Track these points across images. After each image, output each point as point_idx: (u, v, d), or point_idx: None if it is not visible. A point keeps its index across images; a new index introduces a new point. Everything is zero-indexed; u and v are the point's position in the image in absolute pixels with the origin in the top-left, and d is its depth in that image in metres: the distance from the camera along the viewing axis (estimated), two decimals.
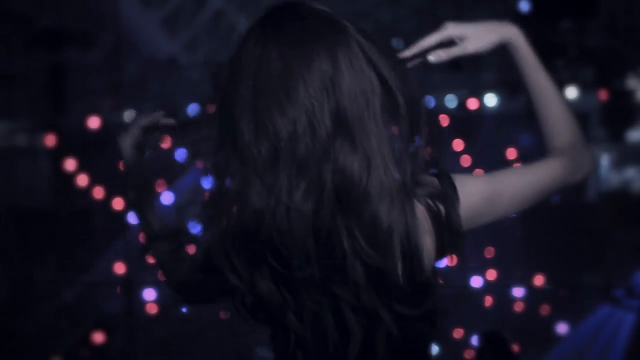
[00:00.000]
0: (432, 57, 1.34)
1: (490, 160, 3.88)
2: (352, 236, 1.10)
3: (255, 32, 1.15)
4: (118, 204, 3.87)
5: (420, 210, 1.14)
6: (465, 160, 3.94)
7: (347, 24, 1.15)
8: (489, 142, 3.96)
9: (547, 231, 3.88)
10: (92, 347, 3.85)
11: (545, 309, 4.04)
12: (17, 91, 4.06)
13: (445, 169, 1.18)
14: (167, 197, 3.77)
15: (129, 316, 3.89)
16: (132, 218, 3.85)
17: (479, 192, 1.19)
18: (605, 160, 4.25)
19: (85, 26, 4.00)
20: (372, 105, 1.12)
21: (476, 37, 1.34)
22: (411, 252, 1.11)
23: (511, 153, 3.88)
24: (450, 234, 1.15)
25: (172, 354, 3.92)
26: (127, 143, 1.43)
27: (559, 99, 1.31)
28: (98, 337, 3.85)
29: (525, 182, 1.24)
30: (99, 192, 3.87)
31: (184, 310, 3.42)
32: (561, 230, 3.88)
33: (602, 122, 4.10)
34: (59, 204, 4.00)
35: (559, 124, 1.30)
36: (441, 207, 1.14)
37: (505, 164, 3.87)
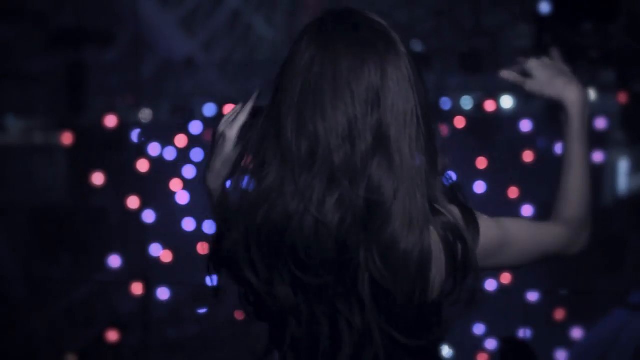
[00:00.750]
0: (503, 73, 1.46)
1: (505, 164, 3.86)
2: (369, 253, 1.10)
3: (310, 33, 1.16)
4: (133, 202, 3.87)
5: (435, 240, 1.13)
6: (481, 163, 3.92)
7: (399, 41, 1.17)
8: (505, 144, 3.94)
9: None
10: (107, 346, 3.86)
11: (560, 314, 4.01)
12: (34, 89, 4.09)
13: (467, 202, 1.18)
14: (182, 197, 3.78)
15: (143, 315, 3.90)
16: (147, 217, 3.86)
17: (494, 235, 1.19)
18: (623, 164, 4.22)
19: (103, 25, 4.01)
20: (410, 127, 1.13)
21: (540, 82, 1.39)
22: (421, 281, 1.11)
23: (528, 156, 3.86)
24: (464, 271, 1.14)
25: (186, 353, 3.92)
26: (233, 133, 1.33)
27: (588, 177, 1.33)
28: (112, 336, 3.86)
29: (534, 240, 1.25)
30: (114, 191, 3.88)
31: (199, 311, 3.42)
32: None
33: (622, 125, 4.06)
34: (75, 202, 4.01)
35: (577, 199, 1.32)
36: (459, 243, 1.13)
37: (521, 167, 3.85)
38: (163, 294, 3.88)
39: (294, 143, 1.11)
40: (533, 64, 1.39)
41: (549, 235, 1.27)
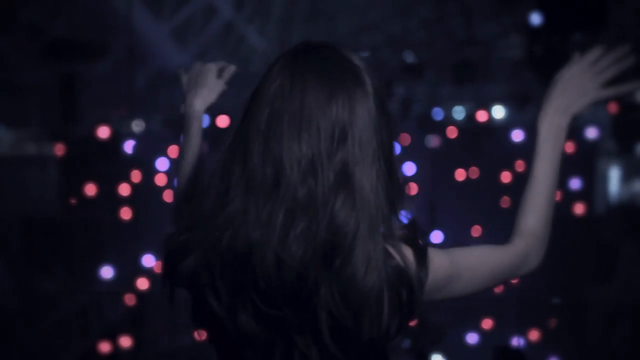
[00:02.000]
0: None
1: (494, 177, 3.88)
2: (329, 290, 1.10)
3: (284, 62, 1.16)
4: (126, 213, 3.87)
5: (385, 282, 1.13)
6: (473, 172, 3.94)
7: (369, 80, 1.16)
8: (497, 154, 3.96)
9: (554, 244, 3.86)
10: (100, 357, 3.85)
11: (552, 322, 4.02)
12: (27, 100, 4.08)
13: (423, 242, 1.18)
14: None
15: (136, 327, 3.89)
16: (140, 228, 3.85)
17: (442, 271, 1.19)
18: (614, 173, 4.24)
19: (96, 37, 4.02)
20: (373, 167, 1.13)
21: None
22: (377, 319, 1.12)
23: (520, 165, 3.88)
24: (408, 313, 1.15)
25: None
26: (200, 108, 1.55)
27: (553, 194, 1.33)
28: (105, 347, 3.85)
29: (483, 268, 1.25)
30: (107, 202, 3.88)
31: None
32: (569, 243, 3.87)
33: (612, 135, 4.09)
34: (67, 213, 4.00)
35: (539, 213, 1.32)
36: (404, 289, 1.13)
37: (514, 176, 3.87)
38: (155, 304, 3.88)
39: (259, 170, 1.11)
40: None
41: (501, 259, 1.27)
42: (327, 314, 1.10)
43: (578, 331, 3.98)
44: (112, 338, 3.85)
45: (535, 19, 3.89)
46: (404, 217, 1.18)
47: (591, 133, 3.99)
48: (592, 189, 4.09)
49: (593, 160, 4.06)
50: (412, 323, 1.18)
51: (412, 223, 1.18)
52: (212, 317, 1.17)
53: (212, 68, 1.63)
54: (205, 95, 1.58)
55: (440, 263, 1.19)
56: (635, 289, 3.90)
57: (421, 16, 3.99)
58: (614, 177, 4.22)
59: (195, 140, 1.55)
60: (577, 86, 1.34)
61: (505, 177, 3.91)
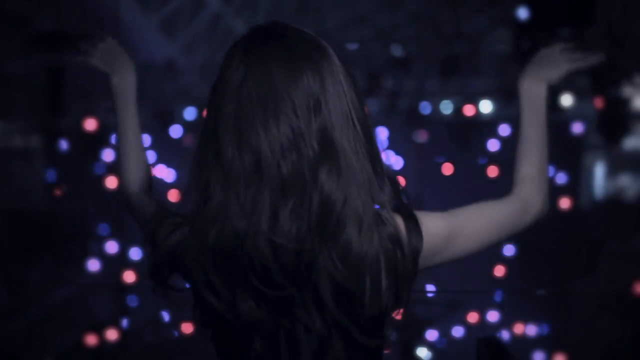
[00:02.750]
0: None
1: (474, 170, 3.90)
2: (328, 257, 1.11)
3: (240, 50, 1.15)
4: (112, 205, 3.86)
5: (379, 247, 1.14)
6: (447, 169, 3.95)
7: (329, 47, 1.17)
8: (484, 148, 3.97)
9: (540, 238, 3.89)
10: (85, 350, 3.84)
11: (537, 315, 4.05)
12: (13, 92, 4.06)
13: (409, 205, 1.19)
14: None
15: (122, 319, 3.88)
16: (129, 218, 3.85)
17: (439, 232, 1.20)
18: (600, 168, 4.27)
19: (83, 28, 3.99)
20: (350, 130, 1.14)
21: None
22: (374, 283, 1.13)
23: (506, 159, 3.90)
24: (405, 279, 1.15)
25: (165, 357, 3.91)
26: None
27: (544, 145, 1.37)
28: (91, 340, 3.84)
29: (484, 221, 1.25)
30: (93, 194, 3.86)
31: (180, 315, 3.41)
32: (554, 237, 3.89)
33: (598, 130, 4.12)
34: (54, 205, 3.99)
35: (532, 160, 1.35)
36: (399, 254, 1.15)
37: (501, 170, 3.88)
38: (141, 298, 3.87)
39: (236, 160, 1.10)
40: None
41: (502, 209, 1.28)
42: (328, 280, 1.11)
43: (563, 323, 4.01)
44: (99, 331, 3.84)
45: (523, 13, 3.90)
46: (391, 182, 1.18)
47: (577, 128, 4.02)
48: (578, 183, 4.12)
49: (579, 155, 4.08)
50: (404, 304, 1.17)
51: (398, 187, 1.19)
52: (213, 314, 1.16)
53: (111, 40, 1.59)
54: (128, 62, 1.55)
55: (435, 225, 1.19)
56: (619, 282, 3.94)
57: (409, 10, 4.00)
58: (599, 172, 4.25)
59: (136, 111, 1.52)
60: (552, 61, 1.43)
61: (492, 171, 3.93)
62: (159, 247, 1.19)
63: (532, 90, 1.39)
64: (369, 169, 1.14)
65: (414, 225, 1.16)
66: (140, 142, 1.50)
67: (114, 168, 3.85)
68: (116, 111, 1.52)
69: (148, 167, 1.51)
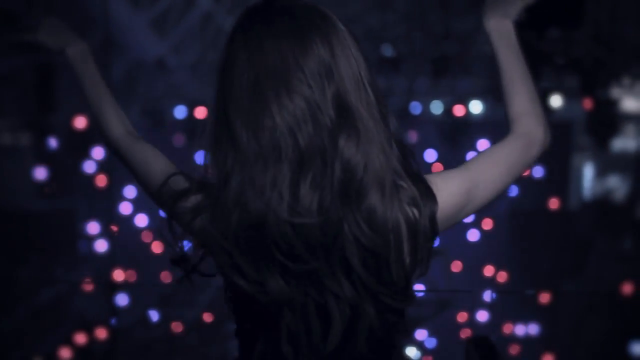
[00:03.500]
0: None
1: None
2: (353, 223, 1.10)
3: (244, 28, 1.14)
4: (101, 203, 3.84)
5: (399, 210, 1.15)
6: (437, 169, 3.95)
7: (333, 15, 1.17)
8: (474, 149, 3.98)
9: (529, 238, 3.90)
10: (74, 348, 3.83)
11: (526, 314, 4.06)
12: (2, 90, 4.04)
13: (418, 170, 1.19)
14: None
15: (110, 318, 3.87)
16: (121, 211, 3.83)
17: (458, 189, 1.21)
18: (588, 168, 4.29)
19: (73, 25, 3.98)
20: (362, 92, 1.14)
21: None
22: (398, 245, 1.13)
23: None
24: (424, 241, 1.16)
25: (154, 356, 3.90)
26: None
27: (527, 75, 1.36)
28: (80, 338, 3.83)
29: (496, 166, 1.26)
30: (82, 191, 3.85)
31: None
32: (543, 237, 3.91)
33: (587, 131, 4.13)
34: (43, 203, 3.97)
35: (520, 94, 1.34)
36: (417, 215, 1.15)
37: None
38: (130, 296, 3.86)
39: (252, 142, 1.09)
40: None
41: (510, 148, 1.28)
42: (356, 246, 1.11)
43: (552, 323, 4.02)
44: (88, 330, 3.83)
45: None
46: (401, 145, 1.18)
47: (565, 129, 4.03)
48: (567, 184, 4.14)
49: (567, 156, 4.10)
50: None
51: (409, 151, 1.19)
52: (244, 297, 1.15)
53: (57, 20, 1.60)
54: (72, 33, 1.58)
55: (454, 184, 1.20)
56: (607, 282, 3.95)
57: (400, 10, 4.00)
58: (587, 172, 4.27)
59: (98, 74, 1.53)
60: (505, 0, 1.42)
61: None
62: (182, 234, 1.19)
63: (499, 26, 1.38)
64: (382, 132, 1.14)
65: (424, 187, 1.17)
66: (109, 91, 1.51)
67: (104, 166, 3.84)
68: (79, 77, 1.52)
69: (122, 112, 1.50)
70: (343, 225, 1.10)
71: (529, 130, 1.30)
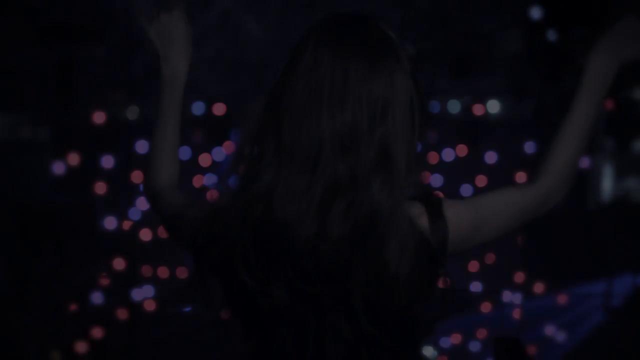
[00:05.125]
0: None
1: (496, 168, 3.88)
2: (364, 269, 1.09)
3: (319, 34, 1.14)
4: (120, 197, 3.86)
5: (413, 263, 1.13)
6: (467, 167, 3.94)
7: (404, 53, 1.16)
8: (493, 149, 3.96)
9: (547, 239, 3.88)
10: (92, 343, 3.85)
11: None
12: (23, 84, 4.06)
13: (434, 195, 1.17)
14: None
15: (128, 312, 3.89)
16: (134, 214, 3.85)
17: (466, 220, 1.18)
18: (607, 169, 4.25)
19: (94, 21, 3.99)
20: (411, 144, 1.13)
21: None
22: (409, 292, 1.11)
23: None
24: (431, 270, 1.14)
25: (171, 352, 3.92)
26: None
27: (586, 136, 1.27)
28: (97, 333, 3.84)
29: (512, 207, 1.23)
30: (101, 188, 3.87)
31: (183, 309, 3.41)
32: (561, 239, 3.88)
33: (607, 132, 4.10)
34: (62, 198, 3.99)
35: (570, 153, 1.26)
36: (426, 256, 1.13)
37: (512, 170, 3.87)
38: (147, 291, 3.88)
39: (296, 143, 1.09)
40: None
41: (527, 198, 1.23)
42: (360, 292, 1.09)
43: (570, 324, 4.00)
44: (105, 324, 3.84)
45: (536, 13, 3.88)
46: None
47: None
48: (586, 185, 4.10)
49: (587, 156, 4.07)
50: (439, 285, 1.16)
51: (422, 184, 1.17)
52: (244, 295, 1.14)
53: (179, 15, 1.46)
54: (185, 49, 1.44)
55: (460, 216, 1.17)
56: (625, 283, 3.92)
57: (420, 8, 3.98)
58: (607, 173, 4.23)
59: (179, 106, 1.46)
60: (631, 31, 1.30)
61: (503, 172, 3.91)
62: (198, 233, 1.16)
63: (603, 67, 1.26)
64: (413, 171, 1.13)
65: (438, 213, 1.15)
66: (177, 137, 1.44)
67: (123, 162, 3.85)
68: (160, 101, 1.45)
69: (178, 164, 1.44)
70: (354, 267, 1.09)
71: (553, 190, 1.25)
